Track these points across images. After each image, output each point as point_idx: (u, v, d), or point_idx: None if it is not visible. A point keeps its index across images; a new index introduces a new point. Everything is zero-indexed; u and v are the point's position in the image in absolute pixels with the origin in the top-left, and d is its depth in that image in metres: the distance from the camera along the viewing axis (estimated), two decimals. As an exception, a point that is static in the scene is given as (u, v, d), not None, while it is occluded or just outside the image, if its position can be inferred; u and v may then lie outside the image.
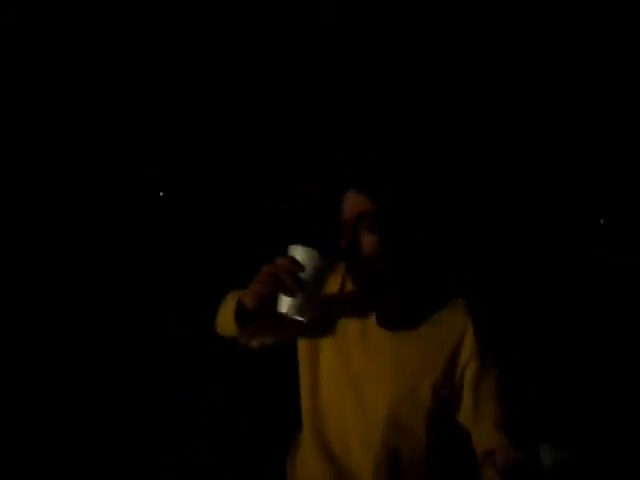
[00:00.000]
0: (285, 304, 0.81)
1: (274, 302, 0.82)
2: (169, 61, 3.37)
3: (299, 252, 0.81)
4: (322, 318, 0.99)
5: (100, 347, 2.74)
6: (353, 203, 0.93)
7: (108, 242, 3.46)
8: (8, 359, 2.47)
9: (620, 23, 3.14)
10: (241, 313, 0.86)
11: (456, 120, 3.55)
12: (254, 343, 1.03)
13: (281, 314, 0.82)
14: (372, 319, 0.97)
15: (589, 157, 3.90)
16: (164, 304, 3.04)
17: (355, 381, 0.98)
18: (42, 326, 2.80)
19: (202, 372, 2.58)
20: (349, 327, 1.00)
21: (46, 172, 3.35)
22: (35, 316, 2.85)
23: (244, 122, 3.65)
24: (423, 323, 0.95)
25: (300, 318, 0.82)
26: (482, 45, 3.28)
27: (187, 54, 3.33)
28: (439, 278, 0.98)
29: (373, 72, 3.40)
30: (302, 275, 0.79)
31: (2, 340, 2.58)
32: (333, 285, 1.03)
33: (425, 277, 0.95)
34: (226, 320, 0.94)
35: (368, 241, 0.91)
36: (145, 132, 3.63)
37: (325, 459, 1.00)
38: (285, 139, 3.58)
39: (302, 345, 1.07)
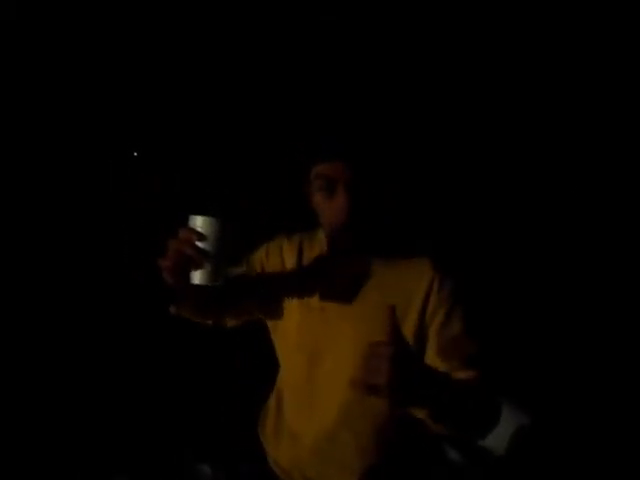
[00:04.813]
0: (196, 275, 0.83)
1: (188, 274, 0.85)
2: (165, 60, 3.38)
3: (198, 221, 0.82)
4: (283, 292, 1.08)
5: (100, 347, 2.73)
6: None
7: (107, 241, 3.46)
8: (8, 359, 2.47)
9: (617, 24, 3.12)
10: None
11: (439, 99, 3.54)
12: (224, 322, 1.12)
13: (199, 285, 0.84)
14: (337, 280, 1.03)
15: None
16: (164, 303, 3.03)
17: (324, 339, 1.03)
18: (41, 326, 2.80)
19: (202, 371, 2.57)
20: (315, 291, 1.05)
21: (45, 171, 3.36)
22: (34, 315, 2.84)
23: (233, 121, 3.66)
24: (390, 276, 1.01)
25: (214, 284, 0.83)
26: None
27: (180, 52, 3.34)
28: (404, 228, 1.05)
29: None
30: (204, 243, 0.81)
31: (2, 340, 2.57)
32: (290, 257, 1.10)
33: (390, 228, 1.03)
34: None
35: (337, 201, 0.96)
36: (142, 131, 3.64)
37: (301, 419, 1.07)
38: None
39: (270, 324, 1.14)
